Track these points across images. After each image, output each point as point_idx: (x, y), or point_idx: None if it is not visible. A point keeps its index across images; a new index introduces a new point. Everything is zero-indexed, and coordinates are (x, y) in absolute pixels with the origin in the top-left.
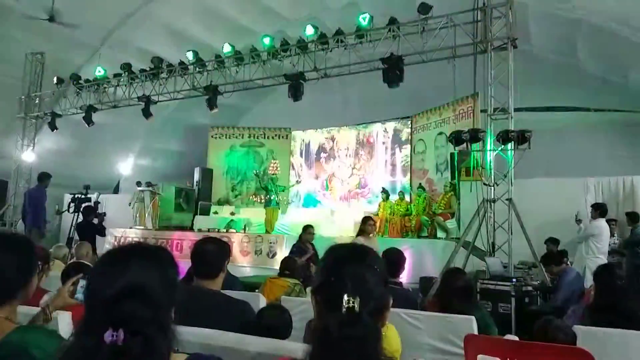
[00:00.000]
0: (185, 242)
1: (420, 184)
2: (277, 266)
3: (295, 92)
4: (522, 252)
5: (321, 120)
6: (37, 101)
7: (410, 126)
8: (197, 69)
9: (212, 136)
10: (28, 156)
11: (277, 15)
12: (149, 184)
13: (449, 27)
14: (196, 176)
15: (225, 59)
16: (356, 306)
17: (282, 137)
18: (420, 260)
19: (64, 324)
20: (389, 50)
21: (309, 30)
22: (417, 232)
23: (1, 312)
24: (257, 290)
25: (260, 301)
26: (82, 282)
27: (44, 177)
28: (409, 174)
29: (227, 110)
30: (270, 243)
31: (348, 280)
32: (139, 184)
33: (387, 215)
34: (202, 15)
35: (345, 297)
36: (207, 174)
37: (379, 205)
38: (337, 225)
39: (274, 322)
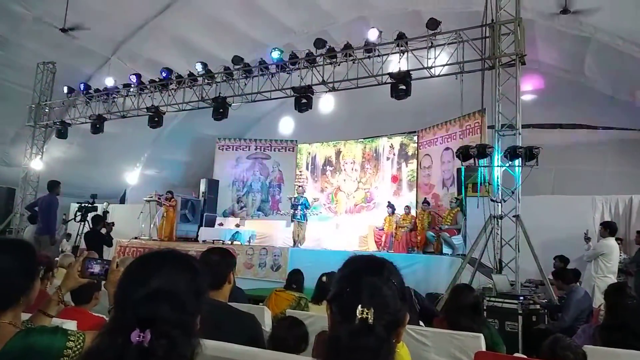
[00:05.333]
0: (190, 253)
1: (425, 198)
2: (281, 279)
3: (303, 105)
4: (529, 270)
5: (328, 133)
6: (46, 110)
7: (416, 141)
8: (206, 80)
9: (218, 147)
10: (36, 164)
11: (286, 29)
12: (170, 193)
13: (457, 42)
14: (202, 187)
15: (234, 71)
16: (370, 317)
17: (289, 149)
18: (426, 277)
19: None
20: (396, 65)
21: (317, 45)
22: (422, 247)
23: (5, 317)
24: (261, 303)
25: (265, 314)
26: (90, 262)
27: (53, 185)
28: (415, 189)
29: (234, 122)
30: (275, 256)
31: (363, 291)
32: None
33: (392, 230)
34: (212, 27)
35: (360, 308)
36: (213, 185)
37: (385, 220)
38: (342, 239)
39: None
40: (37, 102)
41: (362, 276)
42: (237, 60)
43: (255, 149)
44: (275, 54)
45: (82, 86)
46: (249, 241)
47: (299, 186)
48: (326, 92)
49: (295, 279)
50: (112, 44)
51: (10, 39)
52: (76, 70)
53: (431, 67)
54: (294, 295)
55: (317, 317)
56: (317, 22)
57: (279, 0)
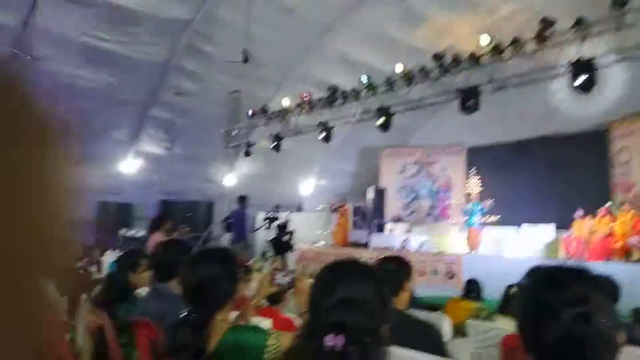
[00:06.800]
0: (362, 260)
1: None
2: (455, 287)
3: (469, 107)
4: None
5: (497, 134)
6: (235, 132)
7: (608, 134)
8: (369, 92)
9: (384, 156)
10: (229, 180)
11: (446, 31)
12: (342, 201)
13: None
14: (369, 195)
15: (397, 80)
16: None
17: (455, 153)
18: (631, 290)
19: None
20: (575, 53)
21: (483, 41)
22: (624, 255)
23: (219, 315)
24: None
25: (444, 323)
26: (277, 274)
27: (242, 199)
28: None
29: (398, 130)
30: (448, 263)
31: (565, 342)
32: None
33: (585, 235)
34: (373, 41)
35: None
36: (380, 193)
37: (574, 224)
38: (523, 245)
39: None
40: (227, 127)
41: (558, 314)
42: (397, 69)
43: (421, 155)
44: (436, 58)
45: (262, 110)
46: (420, 248)
47: (470, 192)
48: (493, 91)
49: (473, 288)
50: (284, 69)
51: (203, 74)
52: (257, 95)
53: (622, 51)
54: (474, 305)
55: (502, 330)
56: (480, 20)
57: (438, 2)
